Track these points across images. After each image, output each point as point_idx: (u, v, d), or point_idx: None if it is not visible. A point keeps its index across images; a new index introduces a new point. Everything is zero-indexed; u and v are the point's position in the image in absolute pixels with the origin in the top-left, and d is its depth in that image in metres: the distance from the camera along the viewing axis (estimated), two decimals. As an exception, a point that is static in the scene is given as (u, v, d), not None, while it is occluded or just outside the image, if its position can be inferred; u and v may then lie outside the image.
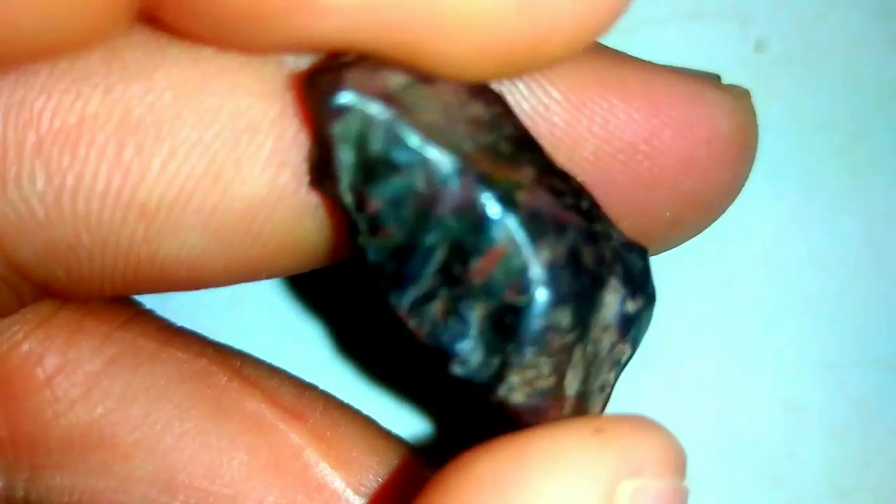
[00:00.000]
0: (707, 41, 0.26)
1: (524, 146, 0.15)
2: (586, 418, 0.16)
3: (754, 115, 0.19)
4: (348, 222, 0.15)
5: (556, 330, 0.15)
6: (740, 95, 0.19)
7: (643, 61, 0.18)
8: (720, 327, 0.26)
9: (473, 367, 0.15)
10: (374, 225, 0.15)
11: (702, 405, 0.25)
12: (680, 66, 0.25)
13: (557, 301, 0.15)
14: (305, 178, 0.16)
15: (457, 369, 0.15)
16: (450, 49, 0.14)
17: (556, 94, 0.17)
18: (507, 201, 0.14)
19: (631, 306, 0.16)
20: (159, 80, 0.15)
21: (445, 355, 0.15)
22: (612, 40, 0.25)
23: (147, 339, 0.19)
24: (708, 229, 0.26)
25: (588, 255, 0.15)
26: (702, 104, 0.18)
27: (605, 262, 0.16)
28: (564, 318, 0.15)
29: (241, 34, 0.14)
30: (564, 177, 0.16)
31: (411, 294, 0.15)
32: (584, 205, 0.16)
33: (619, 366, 0.17)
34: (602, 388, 0.17)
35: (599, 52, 0.18)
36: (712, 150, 0.18)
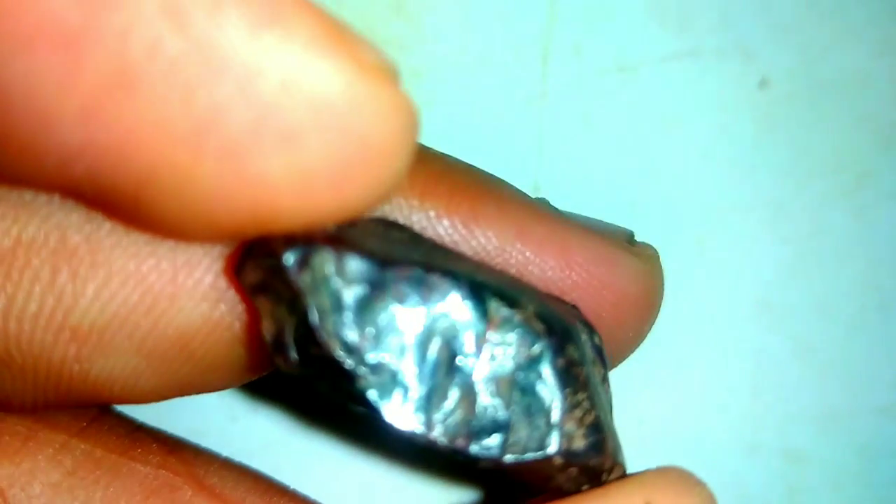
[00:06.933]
0: (710, 79, 0.25)
1: (448, 252, 0.17)
2: (631, 486, 0.16)
3: (661, 277, 0.20)
4: (326, 380, 0.15)
5: (574, 364, 0.16)
6: (649, 259, 0.20)
7: (563, 218, 0.20)
8: (721, 375, 0.25)
9: (523, 442, 0.15)
10: (373, 364, 0.14)
11: (703, 455, 0.25)
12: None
13: (562, 339, 0.16)
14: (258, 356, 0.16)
15: (509, 457, 0.15)
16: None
17: (479, 239, 0.19)
18: (476, 286, 0.15)
19: (597, 339, 0.17)
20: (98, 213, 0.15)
21: (490, 453, 0.15)
22: (614, 79, 0.25)
23: (106, 450, 0.19)
24: (709, 273, 0.25)
25: (553, 306, 0.17)
26: (612, 267, 0.19)
27: (562, 308, 0.17)
28: (574, 351, 0.16)
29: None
30: (489, 265, 0.18)
31: (429, 410, 0.15)
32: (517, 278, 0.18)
33: (611, 407, 0.18)
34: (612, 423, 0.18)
35: (523, 205, 0.19)
36: (618, 310, 0.19)
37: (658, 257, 0.21)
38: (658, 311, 0.20)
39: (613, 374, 0.19)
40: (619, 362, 0.21)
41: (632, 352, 0.21)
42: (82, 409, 0.19)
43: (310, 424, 0.25)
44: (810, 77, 0.25)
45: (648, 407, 0.25)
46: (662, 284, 0.20)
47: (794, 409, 0.25)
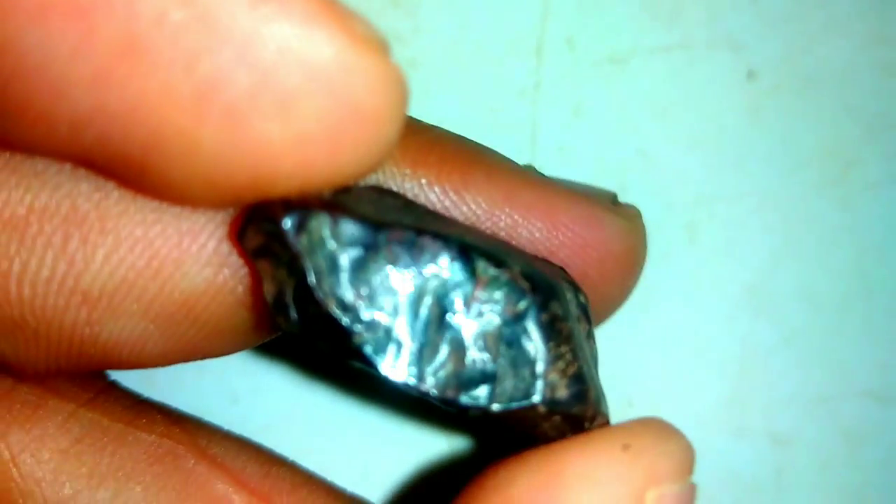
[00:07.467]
0: (699, 71, 0.25)
1: (439, 217, 0.18)
2: (611, 431, 0.17)
3: (644, 234, 0.21)
4: (325, 338, 0.16)
5: (558, 319, 0.17)
6: (632, 217, 0.21)
7: (549, 182, 0.21)
8: (708, 359, 0.26)
9: (509, 392, 0.16)
10: (368, 322, 0.15)
11: (690, 437, 0.25)
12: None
13: (546, 295, 0.16)
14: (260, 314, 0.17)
15: (496, 406, 0.16)
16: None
17: (469, 205, 0.19)
18: (465, 247, 0.16)
19: (582, 298, 0.18)
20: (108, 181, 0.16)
21: (479, 403, 0.16)
22: (604, 70, 0.26)
23: (112, 420, 0.20)
24: (697, 261, 0.26)
25: (539, 265, 0.18)
26: (596, 226, 0.20)
27: (548, 269, 0.18)
28: (558, 307, 0.17)
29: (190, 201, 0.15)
30: (478, 229, 0.19)
31: (421, 363, 0.16)
32: (505, 241, 0.19)
33: (596, 361, 0.19)
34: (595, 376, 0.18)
35: (510, 171, 0.20)
36: (603, 268, 0.20)
37: (640, 216, 0.21)
38: (641, 267, 0.21)
39: (603, 360, 0.19)
40: (606, 318, 0.22)
41: (617, 308, 0.22)
42: (90, 380, 0.20)
43: (310, 406, 0.25)
44: (797, 69, 0.26)
45: (637, 389, 0.25)
46: (645, 242, 0.21)
47: (781, 392, 0.25)
